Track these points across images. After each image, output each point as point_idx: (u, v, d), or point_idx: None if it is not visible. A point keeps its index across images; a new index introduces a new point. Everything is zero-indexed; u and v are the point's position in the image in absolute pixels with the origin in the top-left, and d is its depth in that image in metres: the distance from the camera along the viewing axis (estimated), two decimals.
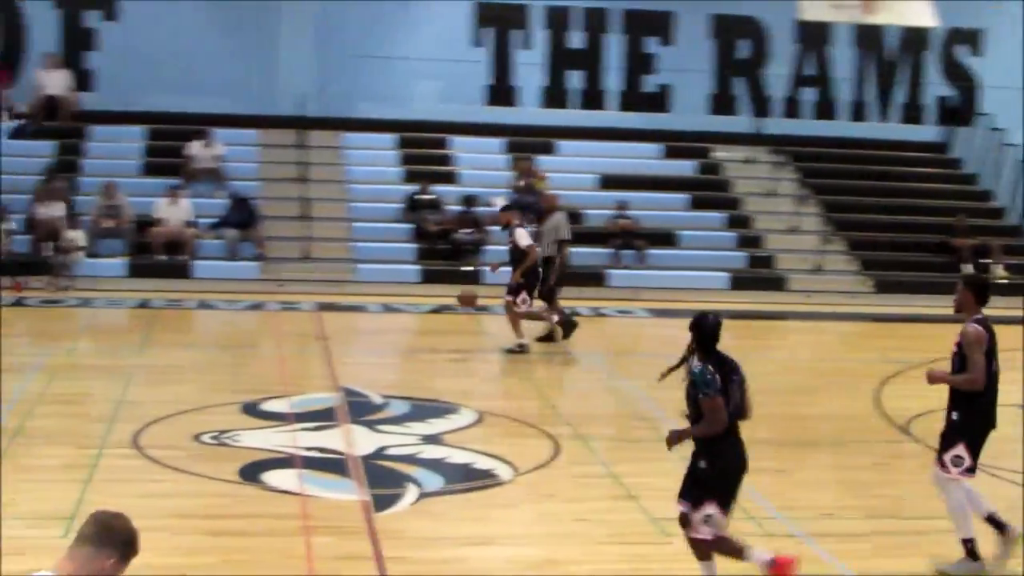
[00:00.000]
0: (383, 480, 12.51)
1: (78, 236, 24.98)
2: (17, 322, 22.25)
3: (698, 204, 29.62)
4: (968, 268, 27.28)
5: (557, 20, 31.65)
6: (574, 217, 28.26)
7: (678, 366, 9.38)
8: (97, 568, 5.10)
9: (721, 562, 9.49)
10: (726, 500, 9.23)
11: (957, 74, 33.16)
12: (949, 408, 10.47)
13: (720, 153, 31.55)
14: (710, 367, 9.11)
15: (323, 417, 15.09)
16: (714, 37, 32.27)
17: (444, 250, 26.57)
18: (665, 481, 12.38)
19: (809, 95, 32.80)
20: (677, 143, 31.19)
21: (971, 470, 10.35)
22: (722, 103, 32.39)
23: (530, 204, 27.55)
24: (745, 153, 31.41)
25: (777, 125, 31.93)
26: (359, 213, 27.89)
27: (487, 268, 22.36)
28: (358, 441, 13.96)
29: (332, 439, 13.99)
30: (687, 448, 14.24)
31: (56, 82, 28.87)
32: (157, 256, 25.54)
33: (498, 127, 30.64)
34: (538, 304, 19.98)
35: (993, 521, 10.40)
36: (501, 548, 10.85)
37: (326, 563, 10.20)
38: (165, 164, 28.08)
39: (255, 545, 10.52)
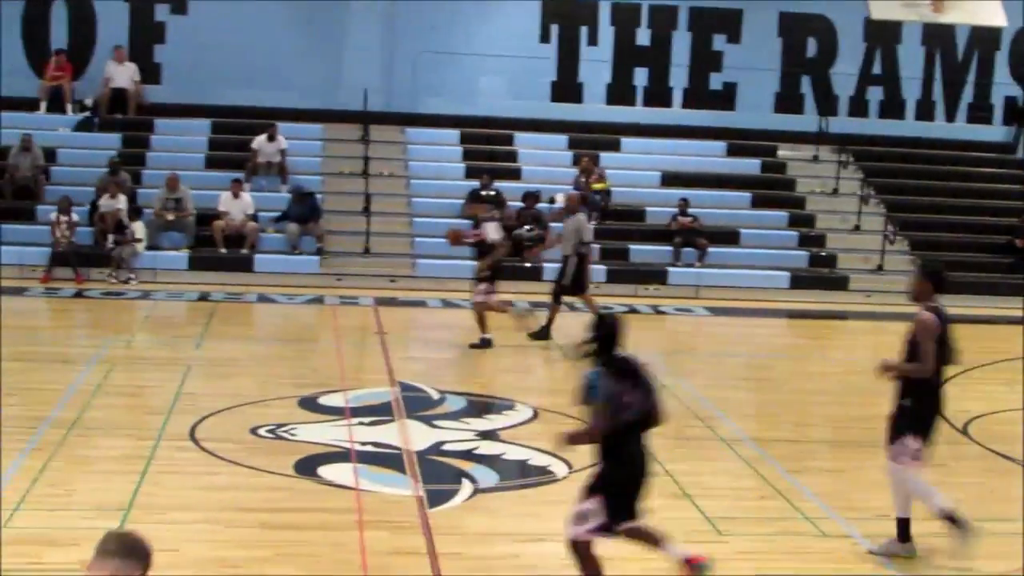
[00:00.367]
0: (438, 476, 12.51)
1: (140, 228, 25.14)
2: (78, 313, 22.50)
3: (761, 203, 29.47)
4: None
5: (624, 17, 31.56)
6: (637, 215, 28.34)
7: (579, 360, 8.94)
8: None
9: (721, 563, 9.40)
10: (620, 505, 8.80)
11: None
12: (900, 395, 10.63)
13: (784, 152, 31.36)
14: (602, 372, 8.67)
15: (380, 412, 15.09)
16: (782, 35, 32.08)
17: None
18: (721, 480, 12.36)
19: (876, 94, 32.54)
20: (742, 141, 31.06)
21: (918, 456, 10.55)
22: (788, 101, 32.20)
23: (595, 202, 27.63)
24: (810, 152, 31.21)
25: (842, 124, 31.68)
26: (421, 208, 27.91)
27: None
28: (414, 436, 13.96)
29: (388, 434, 13.99)
30: (745, 447, 14.21)
31: (123, 75, 29.11)
32: (219, 249, 25.67)
33: (563, 124, 30.62)
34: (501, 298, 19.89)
35: (949, 518, 10.50)
36: (555, 545, 10.74)
37: (380, 558, 10.19)
38: (229, 158, 28.26)
39: (310, 539, 10.51)
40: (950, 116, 32.73)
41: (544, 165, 29.51)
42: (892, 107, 32.56)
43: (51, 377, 16.31)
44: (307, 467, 12.57)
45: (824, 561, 10.60)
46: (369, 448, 13.40)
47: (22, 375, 16.26)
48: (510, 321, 20.15)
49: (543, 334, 20.23)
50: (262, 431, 13.84)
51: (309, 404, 15.26)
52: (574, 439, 9.06)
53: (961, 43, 32.58)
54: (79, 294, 23.46)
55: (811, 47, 32.19)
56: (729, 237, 27.90)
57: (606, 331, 8.82)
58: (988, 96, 32.82)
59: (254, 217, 26.18)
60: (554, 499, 12.07)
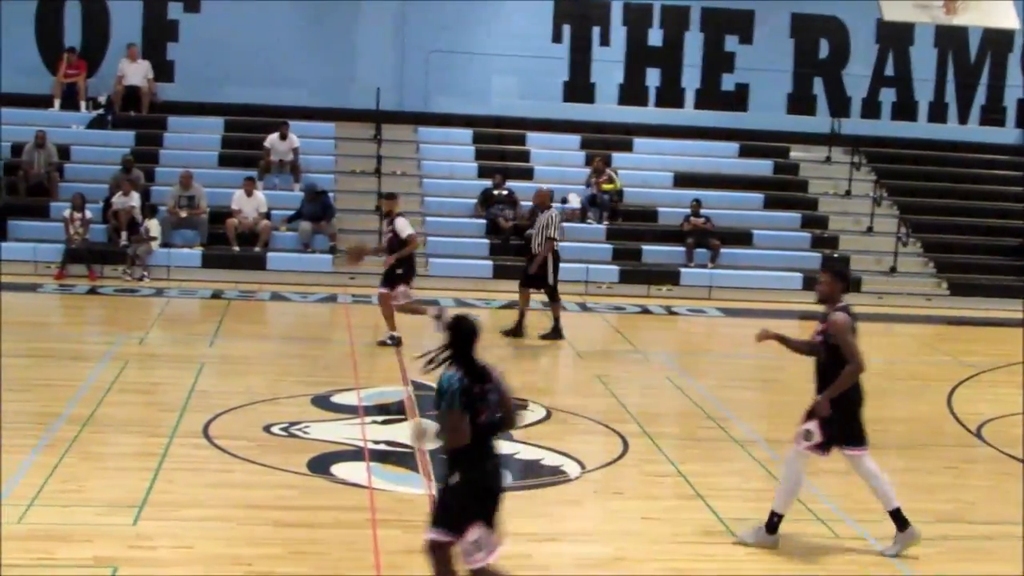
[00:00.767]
0: None
1: (154, 226, 25.18)
2: (91, 310, 22.53)
3: (773, 204, 29.46)
4: None
5: (636, 17, 31.55)
6: (649, 215, 28.34)
7: (436, 367, 8.31)
8: None
9: (733, 564, 9.39)
10: (488, 518, 8.34)
11: None
12: (819, 390, 10.86)
13: (797, 153, 31.34)
14: (459, 377, 8.20)
15: (392, 411, 15.12)
16: (794, 36, 32.06)
17: (517, 246, 26.53)
18: (734, 481, 12.37)
19: (888, 95, 32.52)
20: (754, 142, 31.06)
21: (824, 447, 10.74)
22: (800, 103, 32.18)
23: (604, 202, 27.64)
24: (822, 153, 31.19)
25: (855, 125, 31.66)
26: (433, 207, 27.93)
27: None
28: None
29: (401, 433, 14.00)
30: (758, 449, 14.20)
31: (137, 73, 29.16)
32: (232, 247, 25.70)
33: (575, 124, 30.63)
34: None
35: (896, 517, 10.71)
36: (568, 545, 10.82)
37: (393, 556, 10.19)
38: (242, 156, 28.29)
39: (322, 537, 10.53)
40: (963, 118, 32.69)
41: (556, 165, 29.52)
42: (905, 109, 32.54)
43: (65, 373, 16.34)
44: (320, 465, 12.59)
45: (837, 563, 10.60)
46: (382, 447, 13.41)
47: (36, 371, 16.33)
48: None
49: (555, 334, 20.26)
50: (275, 429, 13.86)
51: (322, 402, 15.28)
52: (426, 440, 8.74)
53: (974, 45, 32.54)
54: (93, 291, 23.50)
55: (823, 48, 32.17)
56: (742, 238, 27.87)
57: (464, 334, 8.35)
58: (1001, 98, 32.78)
59: (267, 215, 26.21)
60: (567, 499, 12.12)
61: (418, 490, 11.94)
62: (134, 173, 26.35)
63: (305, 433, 13.78)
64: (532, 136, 30.51)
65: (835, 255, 27.81)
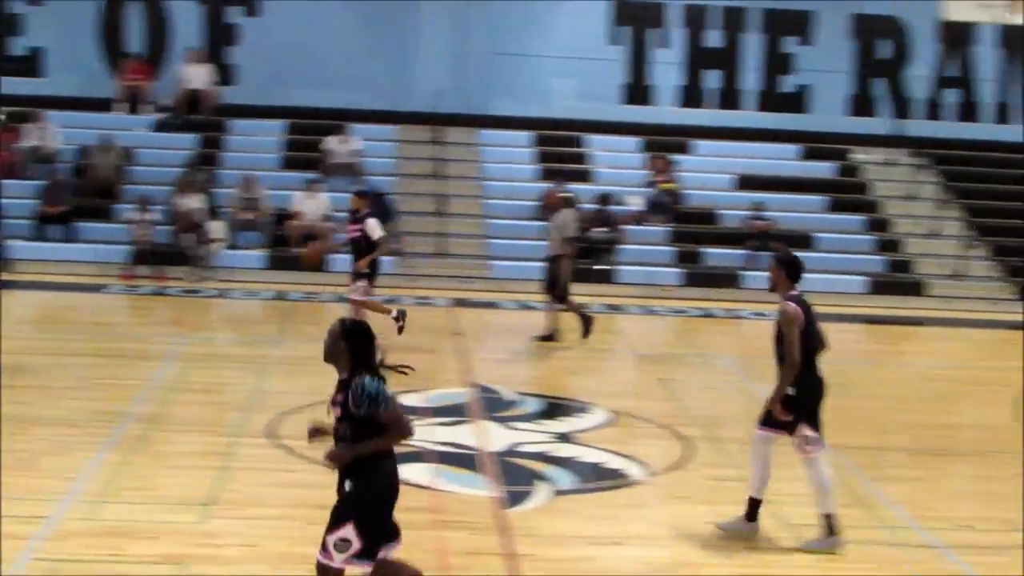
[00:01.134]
0: (515, 477, 12.51)
1: (218, 228, 25.35)
2: (156, 311, 22.69)
3: (836, 206, 29.31)
4: None
5: (695, 19, 31.51)
6: (710, 217, 28.26)
7: (349, 379, 8.06)
8: None
9: (799, 570, 9.31)
10: (372, 527, 8.19)
11: None
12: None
13: (859, 155, 31.16)
14: (376, 378, 8.05)
15: (456, 412, 15.14)
16: (854, 37, 31.90)
17: (578, 248, 26.48)
18: (799, 486, 12.25)
19: (951, 96, 32.28)
20: (815, 144, 30.89)
21: (817, 442, 10.76)
22: (862, 104, 32.02)
23: (664, 203, 27.56)
24: (884, 155, 31.00)
25: (918, 127, 31.46)
26: (494, 210, 27.96)
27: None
28: (491, 437, 13.98)
29: (465, 435, 14.02)
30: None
31: (198, 76, 29.37)
32: (294, 249, 25.81)
33: (634, 126, 30.58)
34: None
35: (753, 505, 10.91)
36: (632, 549, 10.78)
37: (457, 558, 10.21)
38: (303, 158, 28.43)
39: None
40: None
41: (615, 167, 29.49)
42: (968, 110, 32.29)
43: (130, 373, 16.50)
44: None
45: (902, 571, 10.50)
46: (446, 448, 13.41)
47: (102, 370, 16.50)
48: (574, 322, 20.09)
49: (586, 332, 20.10)
50: None
51: None
52: (359, 450, 8.17)
53: None
54: (158, 292, 23.69)
55: (884, 49, 31.97)
56: (804, 241, 27.67)
57: (367, 337, 8.20)
58: None
59: (329, 217, 26.30)
60: (631, 503, 12.09)
61: (482, 492, 11.95)
62: (198, 176, 26.54)
63: None
64: (591, 138, 30.49)
65: (900, 259, 27.63)
